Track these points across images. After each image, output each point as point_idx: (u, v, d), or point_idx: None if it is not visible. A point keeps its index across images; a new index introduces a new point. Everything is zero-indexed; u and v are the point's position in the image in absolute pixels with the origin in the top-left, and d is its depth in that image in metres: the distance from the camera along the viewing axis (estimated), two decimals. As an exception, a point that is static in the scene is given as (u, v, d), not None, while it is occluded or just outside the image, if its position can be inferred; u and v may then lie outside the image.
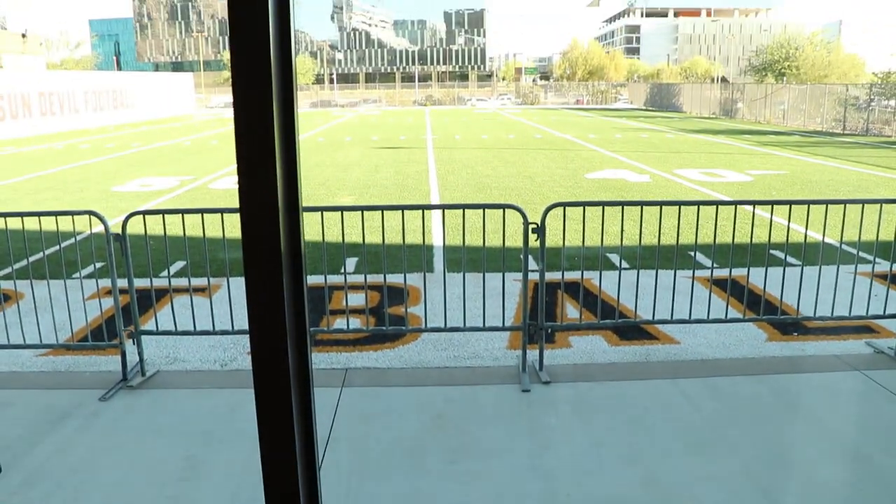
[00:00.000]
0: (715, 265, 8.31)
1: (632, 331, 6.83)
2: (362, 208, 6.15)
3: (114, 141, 34.24)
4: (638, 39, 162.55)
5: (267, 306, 1.65)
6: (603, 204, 6.27)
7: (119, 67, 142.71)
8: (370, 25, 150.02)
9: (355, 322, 7.06)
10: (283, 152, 1.66)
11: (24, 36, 59.03)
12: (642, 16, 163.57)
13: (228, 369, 6.18)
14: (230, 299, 6.21)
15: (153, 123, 50.38)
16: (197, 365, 6.30)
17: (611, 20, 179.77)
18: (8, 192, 17.56)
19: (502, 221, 6.20)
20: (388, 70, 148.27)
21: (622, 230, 6.48)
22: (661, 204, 6.30)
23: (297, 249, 1.69)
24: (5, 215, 6.09)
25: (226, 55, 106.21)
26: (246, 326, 6.33)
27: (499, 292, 7.00)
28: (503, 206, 6.14)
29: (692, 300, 6.50)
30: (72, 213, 6.08)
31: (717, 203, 6.60)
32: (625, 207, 6.60)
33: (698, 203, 6.42)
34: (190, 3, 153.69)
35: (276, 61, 1.64)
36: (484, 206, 6.17)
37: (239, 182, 1.66)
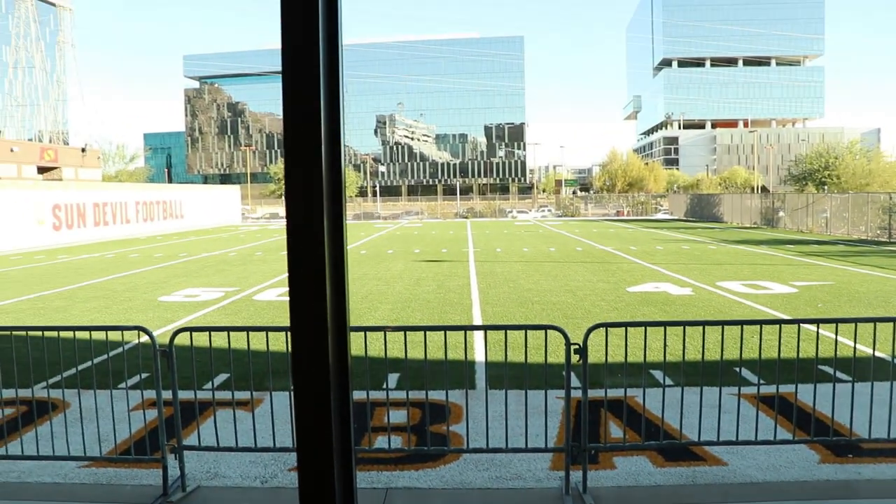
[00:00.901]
0: (761, 381, 8.15)
1: (677, 451, 6.67)
2: (405, 328, 6.20)
3: (162, 251, 35.07)
4: (676, 150, 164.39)
5: (314, 424, 1.68)
6: (645, 324, 6.24)
7: (170, 179, 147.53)
8: (413, 139, 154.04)
9: (396, 440, 7.00)
10: (332, 274, 1.73)
11: (83, 150, 61.72)
12: (680, 127, 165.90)
13: (269, 486, 6.14)
14: (272, 414, 6.22)
15: (200, 234, 51.62)
16: (238, 481, 6.26)
17: (649, 132, 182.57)
18: (61, 300, 17.98)
19: (544, 340, 6.19)
20: (430, 182, 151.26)
21: (665, 346, 6.43)
22: (703, 324, 6.26)
23: (345, 367, 1.73)
24: (60, 328, 6.25)
25: (272, 168, 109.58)
26: (287, 443, 6.32)
27: (541, 410, 6.93)
28: (545, 328, 6.14)
29: (739, 419, 6.36)
30: (122, 329, 6.22)
31: (761, 322, 6.54)
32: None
33: (741, 322, 6.37)
34: (238, 119, 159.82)
35: (327, 187, 1.72)
36: (526, 328, 6.17)
37: (291, 301, 1.71)
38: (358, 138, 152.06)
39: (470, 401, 7.89)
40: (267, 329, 6.20)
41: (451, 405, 7.91)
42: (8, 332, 7.03)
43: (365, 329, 6.14)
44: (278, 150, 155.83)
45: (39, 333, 6.60)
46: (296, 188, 1.73)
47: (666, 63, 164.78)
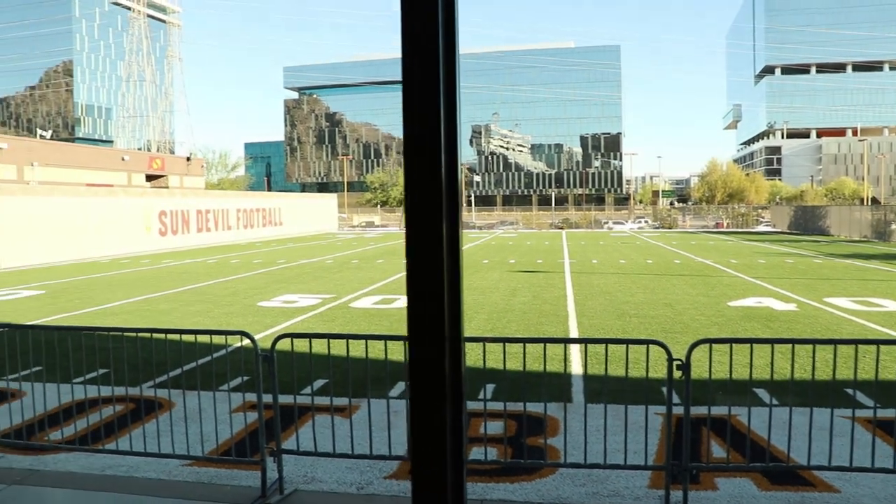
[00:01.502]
0: (878, 405, 7.75)
1: (785, 475, 6.40)
2: (504, 340, 6.15)
3: (261, 257, 36.00)
4: (779, 160, 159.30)
5: (429, 433, 1.66)
6: (752, 341, 6.02)
7: (269, 187, 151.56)
8: (508, 149, 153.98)
9: (492, 451, 6.95)
10: (449, 287, 1.71)
11: (188, 159, 64.14)
12: (783, 137, 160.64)
13: (364, 493, 6.17)
14: (370, 421, 6.26)
15: (298, 241, 52.78)
16: (334, 486, 6.32)
17: (749, 142, 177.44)
18: (166, 303, 18.65)
19: (646, 354, 6.04)
20: (525, 193, 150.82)
21: (772, 364, 6.18)
22: (814, 342, 5.99)
23: (459, 378, 1.72)
24: (167, 331, 6.45)
25: (369, 177, 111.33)
26: (383, 451, 6.35)
27: (640, 426, 6.77)
28: (647, 342, 5.99)
29: (853, 444, 6.05)
30: (225, 333, 6.37)
31: (879, 342, 6.21)
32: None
33: (856, 342, 6.07)
34: (336, 129, 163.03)
35: (446, 201, 1.71)
36: (627, 342, 6.04)
37: (409, 312, 1.71)
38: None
39: (567, 414, 7.77)
40: (366, 337, 6.25)
41: (548, 418, 7.81)
42: (119, 334, 7.30)
43: (481, 339, 6.12)
44: (375, 160, 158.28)
45: (148, 335, 6.82)
46: (416, 201, 1.73)
47: (768, 70, 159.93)
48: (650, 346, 5.97)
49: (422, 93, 1.70)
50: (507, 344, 6.35)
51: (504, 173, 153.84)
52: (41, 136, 63.19)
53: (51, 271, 28.84)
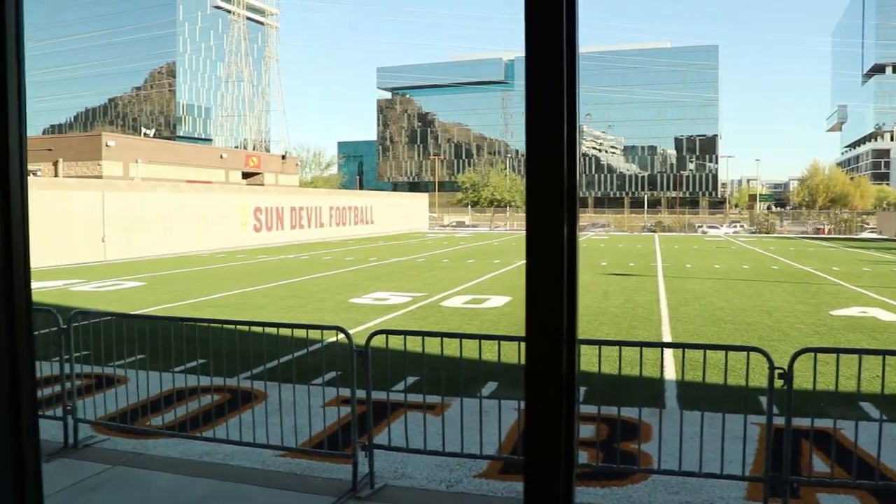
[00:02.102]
0: None
1: (895, 495, 6.12)
2: (600, 342, 6.07)
3: (353, 254, 36.57)
4: (887, 164, 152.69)
5: (545, 433, 1.66)
6: (860, 352, 5.78)
7: (361, 186, 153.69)
8: (600, 150, 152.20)
9: (583, 454, 6.87)
10: (568, 286, 1.71)
11: (283, 157, 65.67)
12: (892, 139, 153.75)
13: (454, 491, 6.19)
14: (462, 420, 6.27)
15: (389, 239, 53.39)
16: (423, 483, 6.36)
17: (855, 144, 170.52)
18: (260, 297, 19.14)
19: (746, 362, 5.86)
20: (617, 195, 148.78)
21: (883, 377, 5.92)
22: (931, 353, 5.71)
23: (573, 380, 1.71)
24: (265, 324, 6.61)
25: (460, 177, 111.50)
26: (474, 450, 6.34)
27: (735, 435, 6.58)
28: (747, 349, 5.82)
29: (969, 465, 5.74)
30: (321, 328, 6.49)
31: None
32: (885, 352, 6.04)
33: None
34: (428, 129, 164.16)
35: (567, 201, 1.70)
36: (727, 348, 5.88)
37: (528, 312, 1.71)
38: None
39: (662, 420, 7.62)
40: (461, 336, 6.26)
41: (642, 423, 7.68)
42: (219, 326, 7.52)
43: (597, 342, 6.07)
44: (466, 160, 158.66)
45: (246, 328, 7.01)
46: (538, 201, 1.73)
47: (878, 69, 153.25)
48: (750, 353, 5.80)
49: (545, 94, 1.71)
50: (602, 346, 6.26)
51: (596, 175, 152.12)
52: (145, 135, 65.71)
53: (151, 264, 29.96)
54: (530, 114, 1.73)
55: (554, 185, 1.71)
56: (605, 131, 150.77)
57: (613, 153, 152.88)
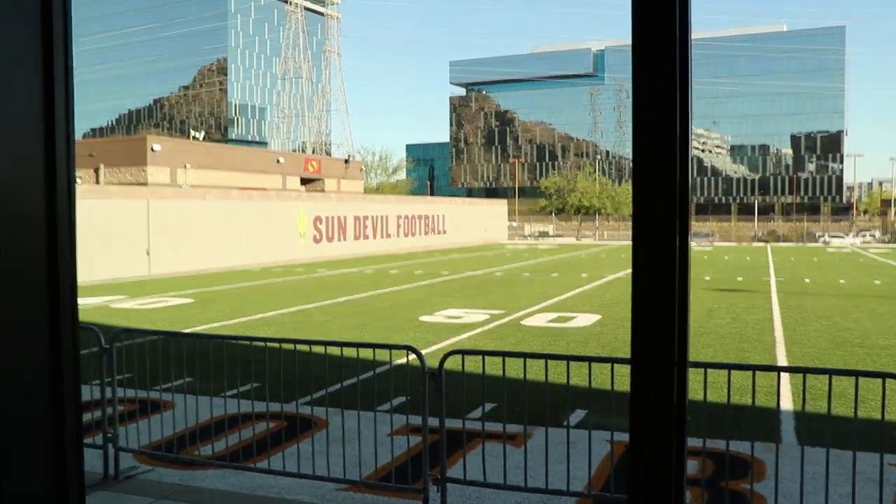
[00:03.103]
0: None
1: None
2: (705, 365, 5.95)
3: (423, 268, 36.77)
4: None
5: (653, 469, 1.63)
6: None
7: (432, 192, 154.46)
8: (703, 151, 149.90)
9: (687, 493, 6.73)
10: (679, 306, 1.70)
11: (347, 161, 66.48)
12: None
13: (538, 533, 6.13)
14: (546, 452, 6.21)
15: (464, 251, 53.52)
16: (502, 522, 6.32)
17: None
18: (321, 314, 19.39)
19: (881, 391, 5.65)
20: (723, 200, 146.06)
21: None
22: None
23: (683, 410, 1.69)
24: (326, 343, 6.67)
25: (543, 182, 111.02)
26: (560, 486, 6.27)
27: (868, 478, 6.37)
28: (883, 376, 5.61)
29: None
30: (390, 347, 6.53)
31: None
32: None
33: None
34: (507, 128, 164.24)
35: (679, 209, 1.68)
36: (857, 374, 5.68)
37: (634, 334, 1.70)
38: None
39: (778, 457, 7.41)
40: (546, 357, 6.20)
41: (754, 459, 7.49)
42: (277, 345, 7.62)
43: (703, 365, 5.97)
44: (550, 163, 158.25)
45: (307, 348, 7.08)
46: (647, 211, 1.71)
47: None
48: (887, 380, 5.59)
49: (654, 85, 1.70)
50: (708, 370, 6.13)
51: (698, 178, 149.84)
52: (194, 138, 67.44)
53: (200, 279, 30.64)
54: (638, 108, 1.72)
55: (664, 189, 1.69)
56: (708, 129, 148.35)
57: (719, 153, 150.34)
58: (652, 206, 1.73)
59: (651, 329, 1.72)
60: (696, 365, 5.87)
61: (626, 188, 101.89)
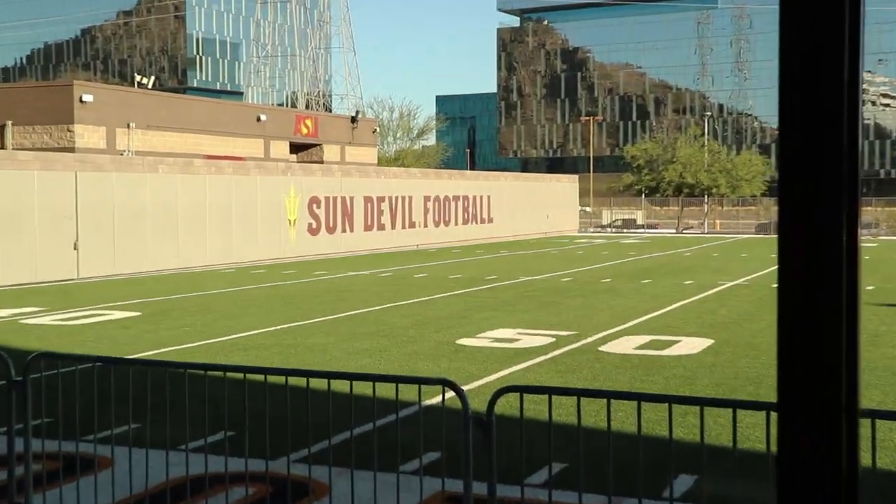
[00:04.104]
0: None
1: None
2: (873, 414, 5.84)
3: (460, 269, 36.74)
4: None
5: None
6: None
7: (472, 164, 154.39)
8: (864, 103, 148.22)
9: None
10: (847, 331, 1.65)
11: (353, 120, 65.92)
12: None
13: None
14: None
15: (516, 246, 53.35)
16: None
17: None
18: (319, 334, 19.39)
19: None
20: (892, 175, 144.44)
21: None
22: None
23: (855, 473, 1.66)
24: (328, 375, 6.63)
25: (629, 149, 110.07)
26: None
27: None
28: None
29: None
30: (418, 382, 6.50)
31: None
32: None
33: None
34: (578, 74, 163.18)
35: (846, 203, 1.63)
36: None
37: (781, 369, 1.67)
38: (770, 103, 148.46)
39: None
40: (703, 403, 6.14)
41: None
42: (259, 378, 7.60)
43: (870, 414, 5.89)
44: (638, 122, 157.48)
45: (301, 382, 7.05)
46: (800, 189, 1.65)
47: None
48: None
49: (812, 8, 1.62)
50: (876, 420, 6.04)
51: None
52: (139, 85, 67.32)
53: (150, 284, 30.78)
54: (787, 43, 1.64)
55: (826, 162, 1.62)
56: (871, 70, 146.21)
57: (886, 107, 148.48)
58: (808, 184, 1.66)
59: (809, 360, 1.66)
60: (863, 414, 5.76)
61: (748, 157, 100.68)
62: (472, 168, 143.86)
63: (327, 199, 46.20)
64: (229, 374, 8.21)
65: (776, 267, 1.72)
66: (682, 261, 43.74)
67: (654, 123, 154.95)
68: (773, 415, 5.31)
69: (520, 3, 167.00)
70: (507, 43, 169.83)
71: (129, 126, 46.45)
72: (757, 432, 9.10)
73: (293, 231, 43.81)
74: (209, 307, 24.41)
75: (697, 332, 19.95)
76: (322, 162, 59.10)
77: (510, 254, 47.48)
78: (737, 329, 20.46)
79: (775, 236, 1.65)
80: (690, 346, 18.23)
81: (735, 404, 6.14)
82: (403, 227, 52.29)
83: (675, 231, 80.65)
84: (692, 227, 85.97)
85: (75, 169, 33.45)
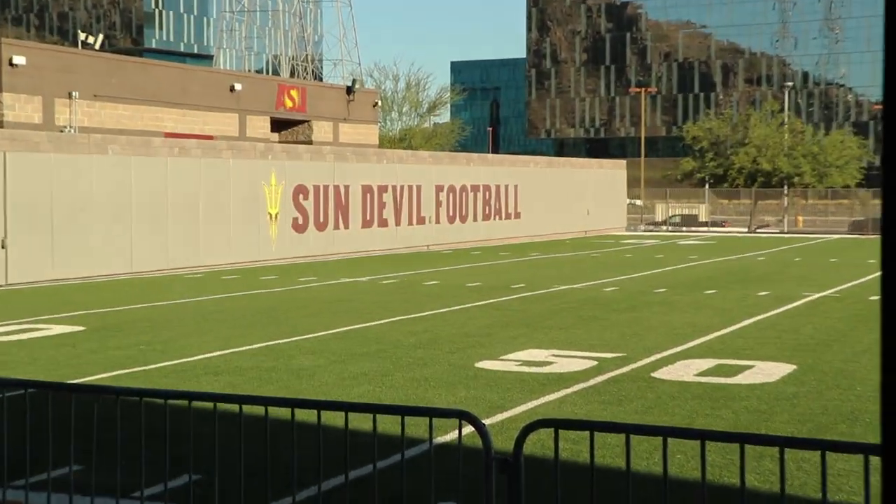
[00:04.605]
0: None
1: None
2: None
3: (479, 275, 36.75)
4: None
5: None
6: None
7: (495, 146, 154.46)
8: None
9: None
10: None
11: (349, 91, 65.85)
12: None
13: None
14: None
15: (548, 247, 53.37)
16: None
17: None
18: (306, 353, 19.39)
19: None
20: None
21: None
22: None
23: None
24: (318, 406, 6.61)
25: (689, 128, 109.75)
26: None
27: None
28: None
29: None
30: (429, 414, 6.48)
31: None
32: None
33: None
34: (627, 34, 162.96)
35: None
36: None
37: (883, 398, 1.63)
38: (868, 71, 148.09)
39: None
40: (783, 443, 6.12)
41: None
42: (234, 408, 7.58)
43: None
44: (701, 95, 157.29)
45: (286, 413, 7.04)
46: None
47: None
48: None
49: None
50: None
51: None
52: (84, 45, 67.21)
53: (96, 291, 30.83)
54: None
55: None
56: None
57: None
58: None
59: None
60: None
61: (840, 138, 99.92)
62: (496, 151, 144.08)
63: (317, 188, 46.20)
64: (195, 404, 8.19)
65: (877, 275, 1.71)
66: (756, 267, 43.73)
67: (720, 97, 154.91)
68: (874, 459, 5.29)
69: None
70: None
71: (70, 96, 46.43)
72: (852, 482, 9.08)
73: (274, 227, 43.80)
74: (171, 321, 24.44)
75: (775, 356, 19.91)
76: (311, 142, 59.15)
77: (542, 257, 47.51)
78: (825, 352, 20.41)
79: (876, 236, 1.64)
80: (766, 372, 18.20)
81: (824, 446, 6.10)
82: (410, 223, 52.26)
83: (746, 230, 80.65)
84: (768, 226, 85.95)
85: (3, 149, 33.27)
